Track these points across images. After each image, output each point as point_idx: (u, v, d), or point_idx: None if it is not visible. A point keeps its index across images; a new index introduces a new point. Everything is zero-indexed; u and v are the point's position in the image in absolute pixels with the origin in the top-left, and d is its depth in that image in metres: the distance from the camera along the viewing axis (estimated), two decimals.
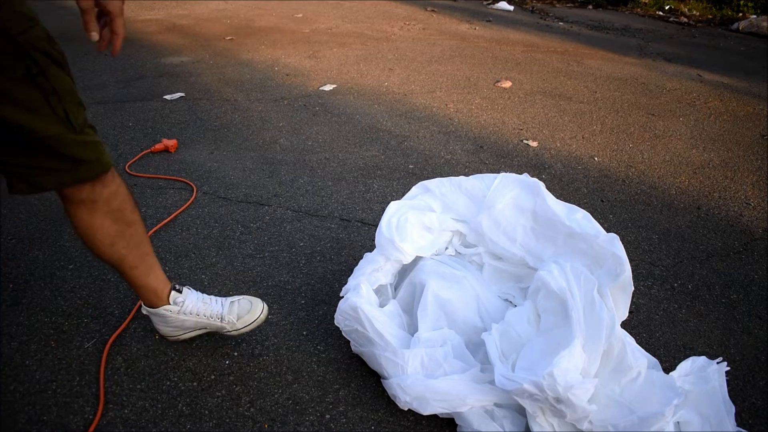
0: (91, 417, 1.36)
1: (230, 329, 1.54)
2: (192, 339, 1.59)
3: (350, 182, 2.53)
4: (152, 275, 1.45)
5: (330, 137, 2.98)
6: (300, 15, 5.82)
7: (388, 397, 1.46)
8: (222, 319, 1.53)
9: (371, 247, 2.07)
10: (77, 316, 1.67)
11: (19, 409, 1.38)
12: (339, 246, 2.08)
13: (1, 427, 1.33)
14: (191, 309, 1.52)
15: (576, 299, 1.36)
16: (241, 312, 1.55)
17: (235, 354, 1.56)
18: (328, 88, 3.73)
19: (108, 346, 1.56)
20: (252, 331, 1.58)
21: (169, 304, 1.49)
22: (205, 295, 1.56)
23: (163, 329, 1.56)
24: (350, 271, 1.93)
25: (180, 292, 1.52)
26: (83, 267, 1.88)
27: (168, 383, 1.46)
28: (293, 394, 1.46)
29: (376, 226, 2.20)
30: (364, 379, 1.51)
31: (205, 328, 1.56)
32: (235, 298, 1.58)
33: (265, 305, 1.58)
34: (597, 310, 1.32)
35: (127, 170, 2.51)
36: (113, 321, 1.66)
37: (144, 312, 1.54)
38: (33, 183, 1.18)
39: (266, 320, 1.61)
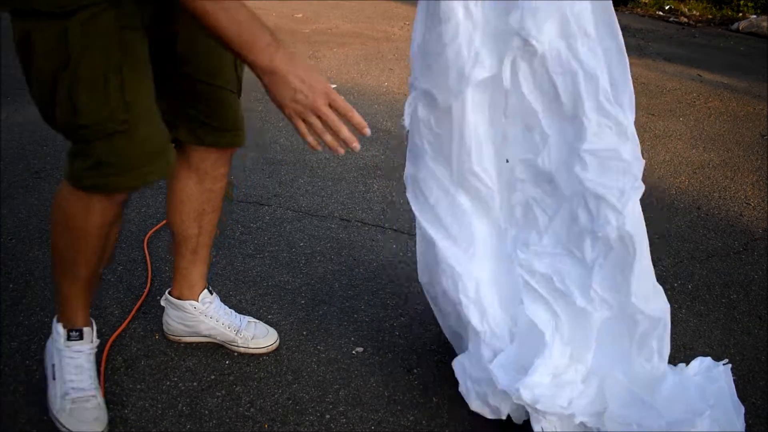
0: None
1: (241, 344, 1.55)
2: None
3: (350, 182, 2.53)
4: (199, 267, 1.50)
5: None
6: (300, 15, 5.82)
7: (388, 396, 1.46)
8: (237, 332, 1.55)
9: (371, 247, 2.08)
10: None
11: (19, 409, 1.37)
12: (339, 246, 2.08)
13: (1, 427, 1.33)
14: (213, 313, 1.53)
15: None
16: (258, 334, 1.57)
17: (235, 354, 1.56)
18: None
19: (108, 346, 1.55)
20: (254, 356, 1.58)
21: (197, 301, 1.51)
22: (227, 307, 1.58)
23: (174, 326, 1.56)
24: (350, 271, 1.94)
25: (212, 293, 1.54)
26: None
27: (168, 383, 1.46)
28: (293, 394, 1.46)
29: (376, 226, 2.21)
30: (364, 379, 1.51)
31: (214, 338, 1.56)
32: (253, 320, 1.59)
33: (278, 340, 1.60)
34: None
35: None
36: (113, 321, 1.66)
37: (163, 302, 1.55)
38: (196, 135, 1.32)
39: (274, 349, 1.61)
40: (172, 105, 1.26)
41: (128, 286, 1.81)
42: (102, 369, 1.48)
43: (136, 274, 1.86)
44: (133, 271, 1.87)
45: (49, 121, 1.12)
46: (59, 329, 1.34)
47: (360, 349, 1.61)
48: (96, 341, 1.39)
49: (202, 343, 1.58)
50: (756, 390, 1.57)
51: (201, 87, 1.28)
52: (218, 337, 1.56)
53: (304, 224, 2.21)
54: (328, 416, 1.41)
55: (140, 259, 1.93)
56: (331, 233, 2.16)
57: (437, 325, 1.71)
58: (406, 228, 2.20)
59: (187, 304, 1.51)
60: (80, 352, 1.34)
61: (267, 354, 1.57)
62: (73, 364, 1.33)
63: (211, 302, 1.53)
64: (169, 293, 1.54)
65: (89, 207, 1.18)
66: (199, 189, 1.39)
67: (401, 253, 2.04)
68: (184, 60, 1.25)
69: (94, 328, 1.39)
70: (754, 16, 6.91)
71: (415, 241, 2.09)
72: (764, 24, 6.50)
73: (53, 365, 1.34)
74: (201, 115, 1.30)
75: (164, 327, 1.59)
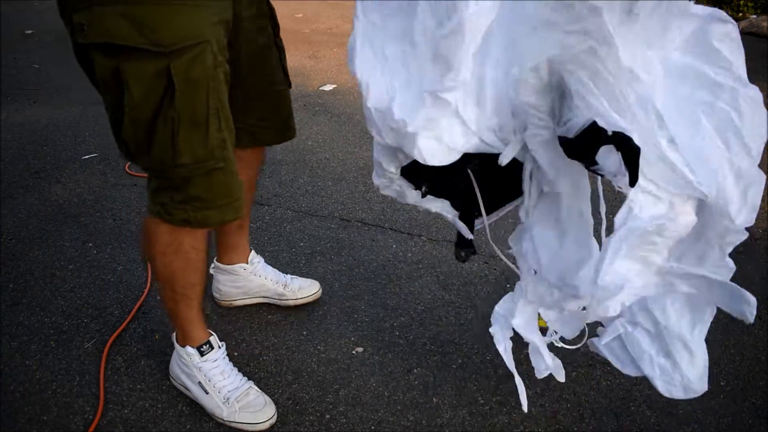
0: (91, 417, 1.37)
1: (290, 297, 1.69)
2: None
3: (350, 182, 2.53)
4: (244, 237, 1.64)
5: (330, 137, 2.98)
6: (300, 15, 5.82)
7: (388, 396, 1.46)
8: (285, 286, 1.69)
9: (371, 247, 2.07)
10: (77, 316, 1.67)
11: (19, 409, 1.38)
12: (339, 246, 2.08)
13: (1, 427, 1.33)
14: (261, 272, 1.67)
15: None
16: (303, 285, 1.72)
17: (235, 354, 1.56)
18: (328, 88, 3.73)
19: (108, 346, 1.56)
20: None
21: (247, 263, 1.64)
22: (269, 266, 1.71)
23: (225, 290, 1.69)
24: (350, 271, 1.94)
25: (257, 255, 1.68)
26: (83, 267, 1.88)
27: (168, 383, 1.46)
28: (293, 394, 1.46)
29: (376, 226, 2.20)
30: (364, 379, 1.51)
31: (264, 295, 1.70)
32: (295, 276, 1.74)
33: (321, 289, 1.75)
34: None
35: (128, 170, 2.51)
36: (113, 321, 1.66)
37: (212, 270, 1.67)
38: (256, 138, 1.39)
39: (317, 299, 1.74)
40: (236, 118, 1.26)
41: (128, 286, 1.81)
42: (102, 369, 1.48)
43: (136, 274, 1.86)
44: (133, 271, 1.87)
45: (135, 159, 1.11)
46: (188, 351, 1.37)
47: (360, 349, 1.61)
48: (222, 342, 1.43)
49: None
50: (756, 390, 1.57)
51: (262, 94, 1.34)
52: (268, 294, 1.68)
53: (304, 224, 2.21)
54: (328, 416, 1.41)
55: (140, 259, 1.93)
56: (331, 233, 2.16)
57: (437, 324, 1.71)
58: (406, 228, 2.20)
59: (238, 267, 1.64)
60: (217, 359, 1.39)
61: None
62: (218, 372, 1.38)
63: (259, 261, 1.67)
64: (218, 261, 1.66)
65: (186, 231, 1.21)
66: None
67: (401, 253, 2.04)
68: (247, 73, 1.29)
69: (212, 332, 1.43)
70: (754, 16, 6.91)
71: (414, 242, 2.09)
72: (764, 24, 6.50)
73: (199, 383, 1.37)
74: (262, 119, 1.37)
75: (215, 294, 1.69)
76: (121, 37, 0.97)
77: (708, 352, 1.69)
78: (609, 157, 0.97)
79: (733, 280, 1.28)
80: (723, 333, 1.78)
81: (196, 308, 1.35)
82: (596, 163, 0.99)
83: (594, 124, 0.96)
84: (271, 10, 1.34)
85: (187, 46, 1.00)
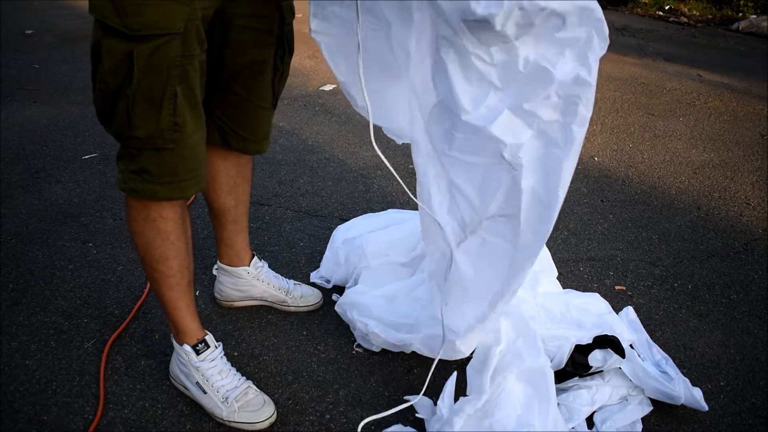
0: (91, 417, 1.37)
1: (291, 303, 1.70)
2: None
3: (350, 182, 2.53)
4: (242, 236, 1.63)
5: (330, 137, 2.98)
6: (300, 15, 5.82)
7: (388, 396, 1.46)
8: (288, 293, 1.70)
9: None
10: (77, 316, 1.67)
11: (19, 409, 1.38)
12: None
13: (1, 427, 1.33)
14: (264, 277, 1.68)
15: None
16: (305, 293, 1.73)
17: (235, 354, 1.56)
18: (328, 88, 3.73)
19: (108, 346, 1.56)
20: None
21: (249, 266, 1.65)
22: (273, 271, 1.72)
23: (227, 292, 1.69)
24: None
25: (260, 260, 1.69)
26: (83, 267, 1.88)
27: (168, 383, 1.46)
28: (293, 394, 1.46)
29: None
30: (364, 379, 1.51)
31: (266, 300, 1.70)
32: (297, 282, 1.75)
33: (322, 299, 1.75)
34: None
35: None
36: (113, 321, 1.66)
37: (215, 271, 1.72)
38: (225, 140, 1.42)
39: (312, 310, 1.74)
40: (210, 115, 1.34)
41: (128, 286, 1.81)
42: (102, 369, 1.48)
43: (136, 274, 1.86)
44: (133, 271, 1.87)
45: (104, 124, 1.18)
46: (186, 349, 1.37)
47: (360, 349, 1.61)
48: (219, 342, 1.43)
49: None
50: (756, 390, 1.57)
51: (241, 103, 1.37)
52: (270, 299, 1.70)
53: (304, 224, 2.21)
54: (328, 416, 1.41)
55: (140, 260, 1.93)
56: (331, 233, 2.15)
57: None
58: None
59: (241, 269, 1.65)
60: (214, 359, 1.39)
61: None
62: (216, 372, 1.38)
63: (262, 267, 1.68)
64: (220, 261, 1.66)
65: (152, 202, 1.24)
66: (225, 164, 1.48)
67: None
68: (232, 78, 1.33)
69: (208, 332, 1.43)
70: (754, 16, 6.91)
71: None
72: (764, 24, 6.50)
73: (197, 383, 1.37)
74: (234, 125, 1.40)
75: (217, 295, 1.72)
76: (103, 15, 1.06)
77: (708, 352, 1.69)
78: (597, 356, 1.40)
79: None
80: (723, 333, 1.78)
81: (178, 292, 1.34)
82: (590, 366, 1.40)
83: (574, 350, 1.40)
84: (284, 32, 1.34)
85: (152, 35, 1.06)
